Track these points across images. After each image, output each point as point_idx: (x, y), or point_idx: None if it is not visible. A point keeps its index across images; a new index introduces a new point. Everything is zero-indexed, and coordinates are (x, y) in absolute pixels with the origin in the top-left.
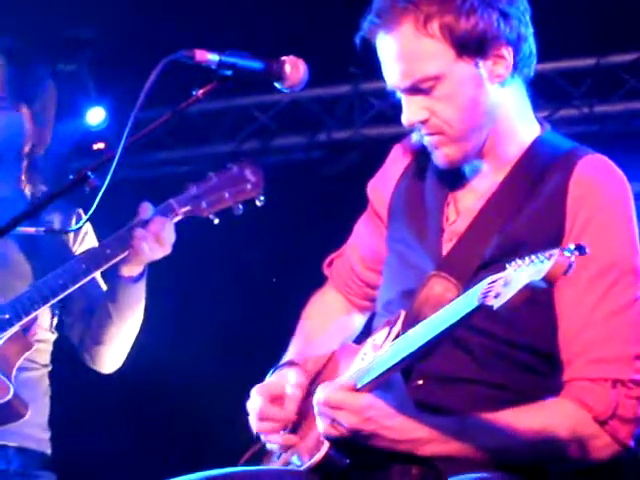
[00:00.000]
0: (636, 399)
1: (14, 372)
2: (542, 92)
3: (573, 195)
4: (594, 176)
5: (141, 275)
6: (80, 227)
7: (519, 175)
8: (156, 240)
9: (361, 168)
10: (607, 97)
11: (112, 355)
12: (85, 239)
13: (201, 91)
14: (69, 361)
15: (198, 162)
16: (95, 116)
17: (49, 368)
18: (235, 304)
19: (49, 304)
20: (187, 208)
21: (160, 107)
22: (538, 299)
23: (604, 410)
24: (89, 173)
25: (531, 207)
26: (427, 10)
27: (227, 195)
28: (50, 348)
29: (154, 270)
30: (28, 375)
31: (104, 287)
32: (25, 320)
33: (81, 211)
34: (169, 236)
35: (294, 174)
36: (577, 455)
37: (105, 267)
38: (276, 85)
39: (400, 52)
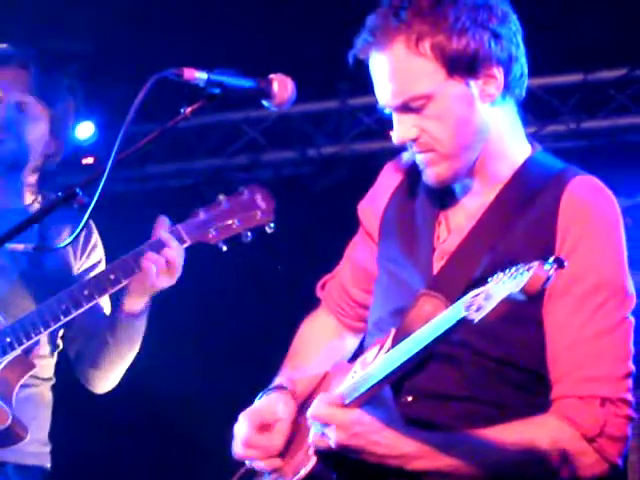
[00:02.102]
0: (624, 417)
1: (15, 394)
2: (530, 108)
3: (563, 215)
4: (584, 197)
5: (143, 311)
6: (69, 244)
7: (510, 195)
8: (167, 266)
9: (350, 183)
10: (594, 113)
11: (106, 380)
12: (92, 254)
13: (189, 109)
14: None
15: (187, 176)
16: (84, 130)
17: (52, 381)
18: (226, 322)
19: (51, 329)
20: (195, 237)
21: (149, 122)
22: (528, 317)
23: (592, 428)
24: (77, 190)
25: (521, 226)
26: (419, 29)
27: (237, 222)
28: (53, 361)
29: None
30: (29, 392)
31: (107, 310)
32: (26, 344)
33: (91, 222)
34: (179, 264)
35: (283, 189)
36: (565, 472)
37: (109, 293)
38: (264, 103)
39: (392, 71)
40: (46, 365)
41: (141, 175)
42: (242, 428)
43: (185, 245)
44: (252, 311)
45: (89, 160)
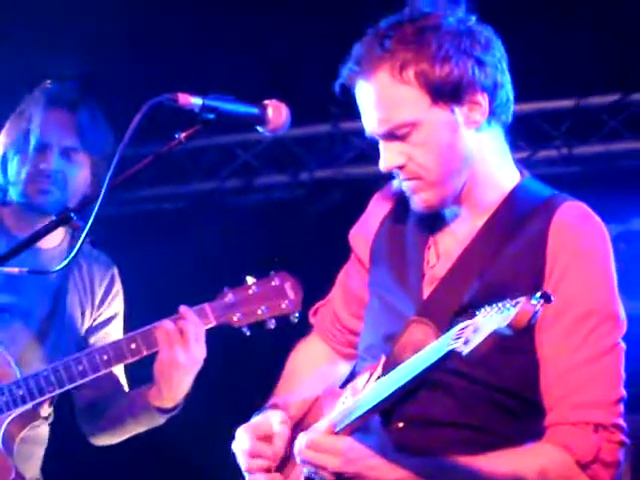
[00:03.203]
0: (617, 443)
1: (17, 442)
2: (522, 133)
3: (553, 241)
4: (573, 223)
5: (172, 410)
6: (65, 266)
7: (499, 221)
8: (181, 337)
9: (343, 207)
10: (587, 138)
11: (110, 441)
12: (113, 303)
13: (184, 134)
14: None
15: (180, 200)
16: None
17: (50, 419)
18: (220, 343)
19: (65, 389)
20: (220, 318)
21: (142, 146)
22: (519, 345)
23: (586, 454)
24: (72, 214)
25: (511, 252)
26: (403, 57)
27: (263, 309)
28: (55, 399)
29: (148, 306)
30: (28, 433)
31: (121, 374)
32: (38, 400)
33: (116, 271)
34: (195, 338)
35: (276, 212)
36: None
37: (128, 362)
38: (259, 129)
39: (377, 99)
40: (45, 407)
41: (134, 198)
42: (244, 441)
43: (209, 325)
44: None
45: None
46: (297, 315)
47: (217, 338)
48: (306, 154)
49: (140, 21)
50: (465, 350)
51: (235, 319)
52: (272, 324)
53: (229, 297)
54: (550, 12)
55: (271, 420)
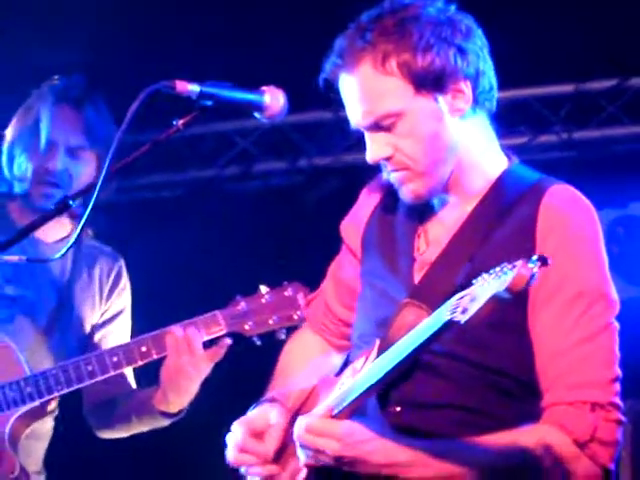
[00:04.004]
0: (614, 422)
1: (21, 441)
2: (521, 118)
3: (542, 225)
4: (562, 206)
5: (177, 415)
6: (64, 254)
7: (487, 206)
8: (187, 345)
9: (341, 194)
10: (586, 123)
11: (115, 436)
12: (121, 296)
13: (181, 121)
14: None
15: (178, 187)
16: None
17: (55, 413)
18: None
19: (73, 389)
20: (232, 325)
21: (140, 133)
22: (513, 326)
23: (583, 433)
24: (70, 201)
25: (500, 237)
26: (384, 49)
27: (274, 319)
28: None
29: (148, 295)
30: (32, 427)
31: (130, 376)
32: (46, 398)
33: (123, 264)
34: (200, 348)
35: (275, 199)
36: (558, 478)
37: (138, 365)
38: (256, 115)
39: (361, 91)
40: (52, 403)
41: (132, 185)
42: (236, 435)
43: (220, 333)
44: None
45: None
46: None
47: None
48: (304, 141)
49: (140, 13)
50: (463, 319)
51: (247, 328)
52: (283, 334)
53: (242, 305)
54: None
55: (267, 415)
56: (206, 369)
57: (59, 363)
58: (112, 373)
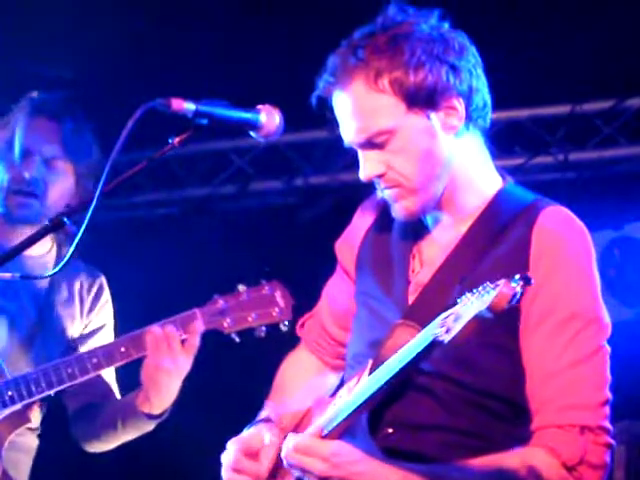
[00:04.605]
0: (604, 445)
1: (5, 447)
2: (517, 139)
3: (535, 247)
4: (555, 228)
5: (160, 416)
6: (56, 273)
7: (481, 227)
8: (167, 344)
9: (338, 213)
10: (582, 144)
11: (103, 448)
12: (101, 312)
13: (177, 139)
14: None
15: (174, 205)
16: None
17: (38, 431)
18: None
19: (54, 391)
20: (210, 323)
21: (137, 150)
22: (504, 348)
23: (573, 456)
24: (65, 219)
25: (493, 257)
26: (377, 66)
27: (253, 316)
28: (43, 411)
29: (142, 313)
30: (16, 439)
31: (112, 377)
32: (27, 401)
33: (104, 280)
34: (180, 347)
35: (271, 218)
36: None
37: (117, 365)
38: (252, 134)
39: (354, 109)
40: (35, 415)
41: (129, 204)
42: (230, 454)
43: (198, 330)
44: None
45: None
46: (287, 323)
47: (206, 345)
48: (301, 160)
49: (134, 27)
50: (447, 338)
51: (225, 325)
52: (262, 332)
53: (220, 303)
54: (546, 18)
55: (262, 435)
56: (186, 365)
57: (39, 366)
58: (92, 374)
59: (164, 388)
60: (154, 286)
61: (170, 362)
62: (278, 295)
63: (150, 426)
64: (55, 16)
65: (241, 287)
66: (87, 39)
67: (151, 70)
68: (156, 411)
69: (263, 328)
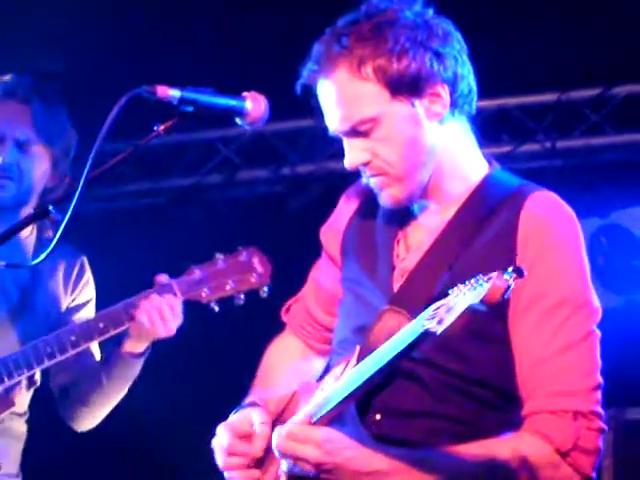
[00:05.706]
0: (596, 430)
1: None
2: (504, 127)
3: (522, 232)
4: (542, 213)
5: (143, 354)
6: (42, 260)
7: (468, 213)
8: (160, 317)
9: (325, 201)
10: (569, 132)
11: (93, 417)
12: (83, 291)
13: (162, 126)
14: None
15: (161, 195)
16: None
17: (26, 416)
18: (198, 345)
19: (34, 371)
20: (188, 293)
21: (123, 140)
22: (493, 335)
23: (565, 442)
24: (50, 207)
25: (480, 243)
26: (360, 54)
27: (231, 284)
28: (29, 396)
29: None
30: (3, 426)
31: (97, 355)
32: (8, 384)
33: (85, 259)
34: (172, 316)
35: (258, 207)
36: None
37: (95, 342)
38: (237, 121)
39: (337, 97)
40: (22, 400)
41: (115, 193)
42: (223, 438)
43: (176, 302)
44: (226, 329)
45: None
46: (266, 290)
47: (191, 320)
48: (287, 149)
49: (123, 18)
50: (439, 329)
51: (203, 294)
52: (241, 300)
53: (196, 273)
54: (532, 6)
55: (252, 418)
56: (175, 329)
57: (19, 348)
58: (71, 352)
59: (151, 335)
60: (140, 276)
61: (162, 329)
62: (255, 261)
63: (135, 369)
64: (49, 9)
65: (218, 255)
66: (80, 32)
67: (140, 61)
68: (139, 349)
69: (242, 296)
